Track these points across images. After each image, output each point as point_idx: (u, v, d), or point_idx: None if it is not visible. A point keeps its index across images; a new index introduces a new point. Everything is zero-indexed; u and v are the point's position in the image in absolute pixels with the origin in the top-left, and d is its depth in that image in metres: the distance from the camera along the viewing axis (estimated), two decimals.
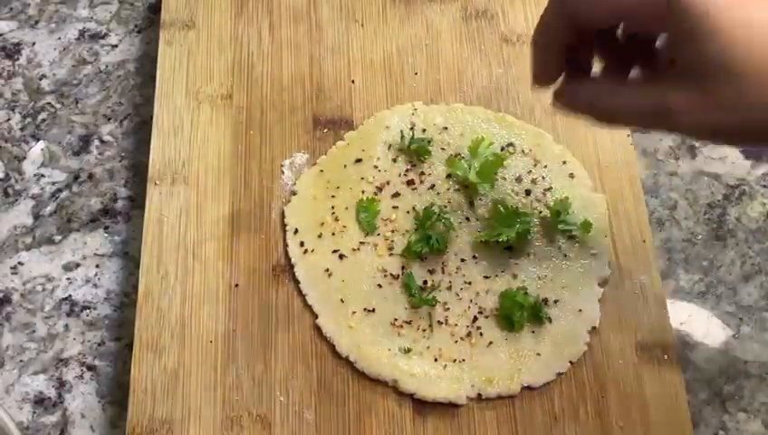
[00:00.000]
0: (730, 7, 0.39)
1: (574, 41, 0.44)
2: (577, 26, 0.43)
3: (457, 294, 0.56)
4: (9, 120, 0.66)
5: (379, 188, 0.59)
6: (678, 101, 0.41)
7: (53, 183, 0.64)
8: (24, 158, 0.65)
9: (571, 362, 0.54)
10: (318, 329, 0.55)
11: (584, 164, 0.61)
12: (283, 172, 0.61)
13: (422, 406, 0.53)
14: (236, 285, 0.57)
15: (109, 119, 0.66)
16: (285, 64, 0.65)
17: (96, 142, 0.65)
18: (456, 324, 0.55)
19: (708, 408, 0.56)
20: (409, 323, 0.55)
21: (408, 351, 0.54)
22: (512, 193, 0.59)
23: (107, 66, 0.68)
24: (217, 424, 0.53)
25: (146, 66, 0.68)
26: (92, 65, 0.68)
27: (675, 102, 0.41)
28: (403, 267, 0.57)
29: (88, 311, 0.59)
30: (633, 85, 0.45)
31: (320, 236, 0.58)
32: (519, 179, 0.60)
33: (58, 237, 0.62)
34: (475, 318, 0.55)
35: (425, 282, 0.56)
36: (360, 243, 0.57)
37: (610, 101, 0.44)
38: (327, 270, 0.57)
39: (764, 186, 0.64)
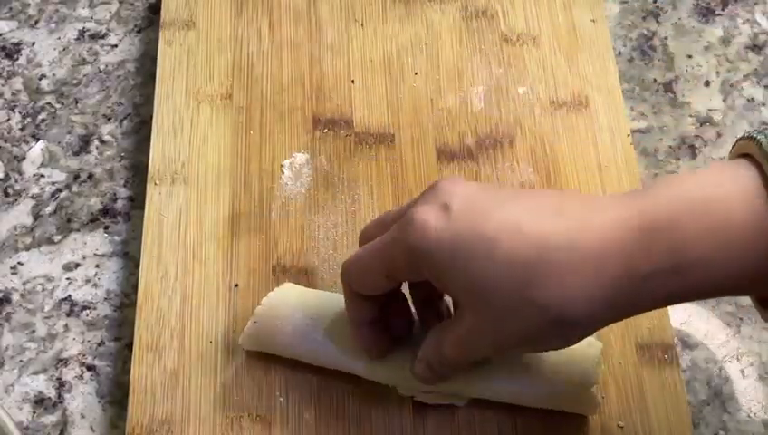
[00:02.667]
0: (445, 230, 0.43)
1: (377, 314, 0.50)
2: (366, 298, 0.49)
3: None
4: (9, 120, 0.66)
5: None
6: (464, 330, 0.45)
7: (53, 183, 0.64)
8: (24, 158, 0.65)
9: None
10: None
11: (584, 164, 0.61)
12: (282, 172, 0.61)
13: (422, 406, 0.53)
14: (236, 285, 0.57)
15: (109, 119, 0.66)
16: (285, 64, 0.65)
17: (96, 142, 0.65)
18: None
19: (708, 408, 0.56)
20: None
21: None
22: None
23: (107, 66, 0.68)
24: (217, 424, 0.53)
25: (146, 66, 0.68)
26: (92, 65, 0.68)
27: (463, 332, 0.45)
28: None
29: (88, 311, 0.59)
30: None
31: None
32: None
33: (58, 237, 0.62)
34: None
35: None
36: None
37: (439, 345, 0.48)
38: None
39: None
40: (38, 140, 0.65)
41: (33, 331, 0.58)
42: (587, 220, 0.41)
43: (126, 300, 0.59)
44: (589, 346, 0.51)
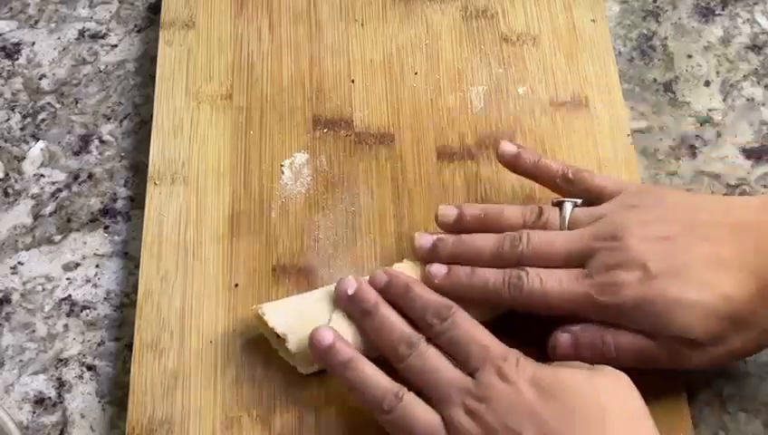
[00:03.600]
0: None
1: None
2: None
3: None
4: (9, 120, 0.66)
5: None
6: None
7: (53, 183, 0.64)
8: (24, 158, 0.65)
9: None
10: None
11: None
12: (282, 172, 0.61)
13: None
14: (236, 285, 0.57)
15: (109, 119, 0.66)
16: (285, 64, 0.65)
17: (96, 142, 0.65)
18: None
19: (708, 408, 0.56)
20: None
21: None
22: None
23: (107, 66, 0.68)
24: (217, 424, 0.53)
25: (146, 66, 0.68)
26: (92, 65, 0.68)
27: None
28: None
29: (88, 311, 0.59)
30: None
31: None
32: None
33: (58, 237, 0.62)
34: None
35: None
36: None
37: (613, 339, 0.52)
38: None
39: (764, 186, 0.64)
40: (38, 140, 0.65)
41: (33, 331, 0.58)
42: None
43: (126, 300, 0.59)
44: None
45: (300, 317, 0.53)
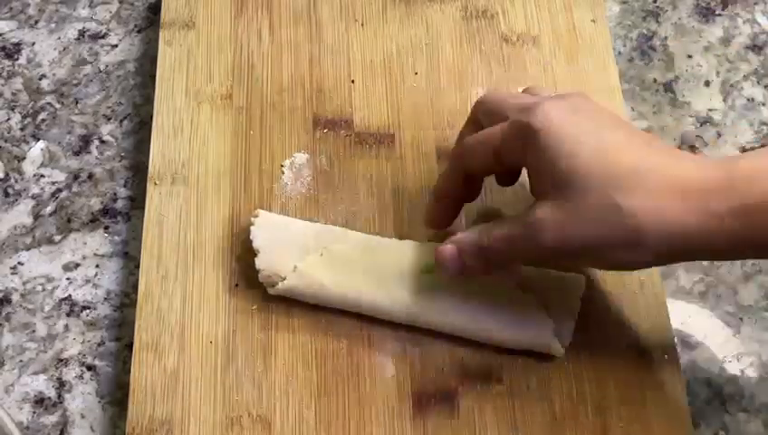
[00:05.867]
0: (564, 126, 0.48)
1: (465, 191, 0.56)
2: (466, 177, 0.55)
3: None
4: (9, 120, 0.66)
5: None
6: (542, 214, 0.48)
7: (53, 183, 0.64)
8: (24, 158, 0.65)
9: None
10: (318, 330, 0.55)
11: None
12: (283, 172, 0.61)
13: (422, 406, 0.53)
14: (236, 285, 0.57)
15: (109, 119, 0.66)
16: (285, 64, 0.65)
17: (96, 142, 0.65)
18: None
19: (708, 408, 0.56)
20: None
21: None
22: None
23: (107, 66, 0.68)
24: (217, 424, 0.53)
25: (146, 66, 0.68)
26: (92, 65, 0.68)
27: (539, 215, 0.48)
28: None
29: (88, 311, 0.59)
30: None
31: None
32: None
33: (58, 237, 0.62)
34: None
35: None
36: None
37: (486, 234, 0.51)
38: None
39: None
40: (38, 140, 0.65)
41: (33, 331, 0.58)
42: (676, 157, 0.47)
43: (126, 300, 0.59)
44: (573, 277, 0.55)
45: (279, 240, 0.56)
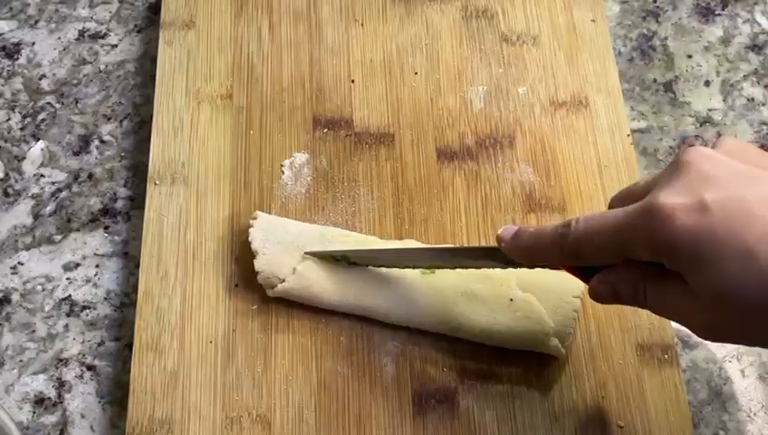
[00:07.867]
0: (725, 240, 0.40)
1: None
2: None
3: None
4: (9, 120, 0.66)
5: None
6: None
7: (53, 183, 0.64)
8: (24, 158, 0.65)
9: None
10: (318, 330, 0.55)
11: (584, 164, 0.61)
12: (282, 172, 0.61)
13: (422, 406, 0.53)
14: (236, 285, 0.57)
15: (109, 119, 0.66)
16: (285, 64, 0.65)
17: (96, 142, 0.65)
18: None
19: (708, 408, 0.56)
20: None
21: None
22: None
23: (107, 66, 0.68)
24: (217, 424, 0.53)
25: (146, 66, 0.68)
26: (92, 65, 0.68)
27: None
28: None
29: (88, 311, 0.59)
30: None
31: None
32: None
33: (58, 237, 0.62)
34: None
35: None
36: None
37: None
38: None
39: None
40: (38, 140, 0.65)
41: (33, 331, 0.58)
42: None
43: (126, 300, 0.59)
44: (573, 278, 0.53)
45: (278, 242, 0.56)
